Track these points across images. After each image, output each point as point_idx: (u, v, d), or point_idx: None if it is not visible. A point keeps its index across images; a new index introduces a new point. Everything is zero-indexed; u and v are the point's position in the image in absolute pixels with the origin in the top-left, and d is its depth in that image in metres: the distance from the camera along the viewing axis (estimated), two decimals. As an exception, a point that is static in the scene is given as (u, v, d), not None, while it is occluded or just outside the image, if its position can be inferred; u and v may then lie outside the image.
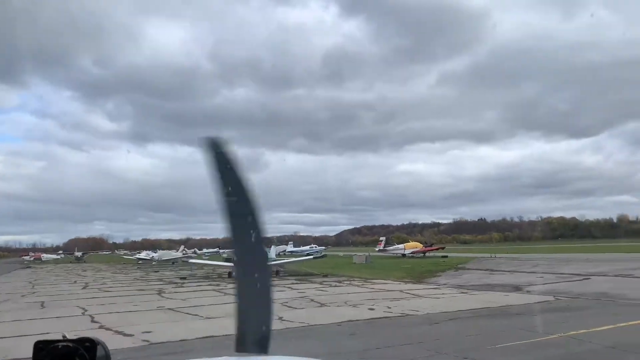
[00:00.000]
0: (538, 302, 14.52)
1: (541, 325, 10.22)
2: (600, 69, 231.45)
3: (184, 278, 30.32)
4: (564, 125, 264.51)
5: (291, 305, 15.37)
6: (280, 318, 12.68)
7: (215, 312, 13.97)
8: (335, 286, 21.74)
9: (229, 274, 29.73)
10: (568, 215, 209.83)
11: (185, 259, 51.55)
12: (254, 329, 1.67)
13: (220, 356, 1.60)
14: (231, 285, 24.68)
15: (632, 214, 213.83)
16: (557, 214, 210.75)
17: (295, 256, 46.07)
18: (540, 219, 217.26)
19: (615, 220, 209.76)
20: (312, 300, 16.75)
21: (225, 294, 20.08)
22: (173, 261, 54.17)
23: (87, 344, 1.28)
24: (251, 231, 1.62)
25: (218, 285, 24.49)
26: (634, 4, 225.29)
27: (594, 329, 9.61)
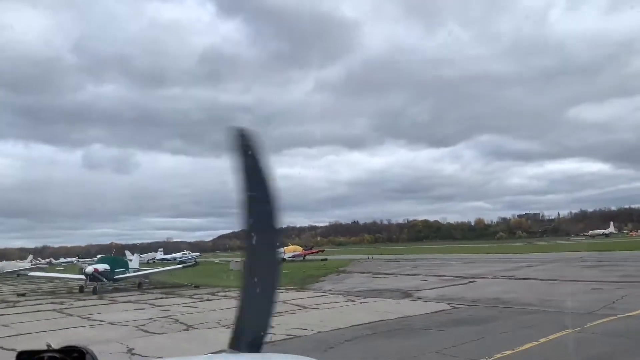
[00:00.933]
0: (436, 312, 13.01)
1: (458, 346, 8.45)
2: (456, 83, 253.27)
3: (23, 294, 24.95)
4: (425, 134, 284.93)
5: (149, 329, 12.17)
6: (129, 350, 9.54)
7: (38, 342, 10.31)
8: (208, 300, 18.68)
9: (80, 289, 25.12)
10: (431, 218, 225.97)
11: (32, 271, 44.15)
12: (251, 328, 1.63)
13: None
14: (78, 304, 20.81)
15: (487, 218, 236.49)
16: (421, 217, 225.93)
17: (166, 265, 41.64)
18: (406, 221, 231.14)
19: (472, 224, 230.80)
20: (176, 321, 13.63)
21: (68, 315, 16.06)
22: (18, 273, 46.29)
23: (75, 354, 1.22)
24: (267, 229, 1.56)
25: (63, 303, 20.00)
26: (485, 23, 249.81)
27: (519, 349, 8.00)
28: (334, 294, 19.09)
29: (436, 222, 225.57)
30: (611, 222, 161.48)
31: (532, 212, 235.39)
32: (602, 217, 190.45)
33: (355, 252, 77.47)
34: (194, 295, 20.62)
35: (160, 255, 68.97)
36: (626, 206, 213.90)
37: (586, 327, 9.61)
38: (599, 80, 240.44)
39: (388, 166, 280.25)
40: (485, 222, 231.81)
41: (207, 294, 20.88)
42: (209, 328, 12.02)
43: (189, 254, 75.52)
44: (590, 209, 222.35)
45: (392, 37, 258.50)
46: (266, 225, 1.60)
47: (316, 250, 58.64)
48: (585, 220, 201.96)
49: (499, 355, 7.60)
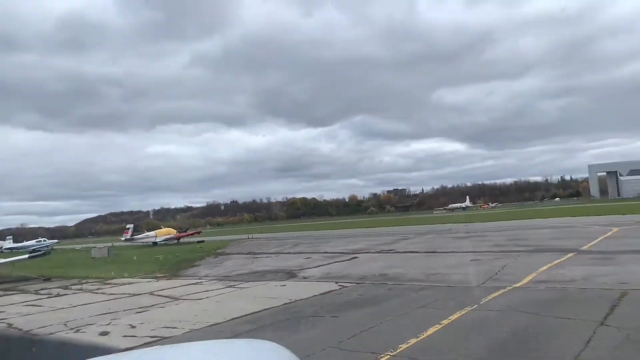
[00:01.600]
0: (325, 294, 11.94)
1: (357, 336, 7.32)
2: (333, 65, 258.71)
3: None
4: (304, 114, 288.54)
5: (-35, 341, 9.44)
6: None
7: None
8: (58, 295, 15.74)
9: None
10: (309, 196, 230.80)
11: None
12: None
13: None
14: None
15: (360, 194, 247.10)
16: (300, 195, 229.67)
17: (16, 255, 36.04)
18: (285, 199, 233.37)
19: (347, 200, 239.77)
20: (11, 325, 10.92)
21: None
22: None
23: None
24: None
25: None
26: (360, 8, 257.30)
27: (423, 335, 7.08)
28: (210, 279, 17.28)
29: (314, 199, 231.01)
30: (467, 197, 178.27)
31: (400, 188, 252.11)
32: (460, 192, 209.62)
33: (234, 232, 75.31)
34: (41, 290, 17.40)
35: (9, 244, 60.45)
36: (479, 182, 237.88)
37: (482, 304, 9.10)
38: (458, 66, 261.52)
39: (268, 145, 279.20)
40: (358, 198, 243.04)
41: (59, 287, 17.78)
42: (50, 333, 9.62)
43: (45, 241, 67.42)
44: (449, 185, 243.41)
45: (272, 15, 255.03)
46: None
47: (192, 232, 55.57)
48: (445, 195, 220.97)
49: (404, 346, 6.58)
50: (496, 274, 12.88)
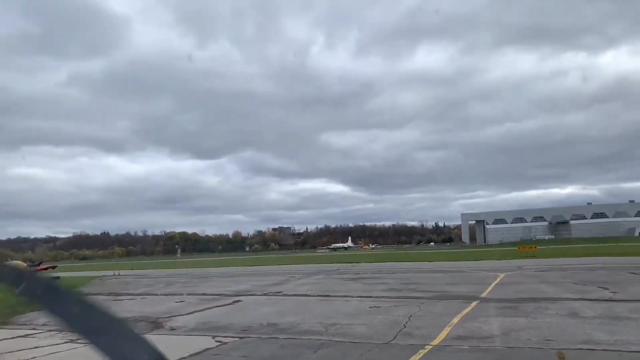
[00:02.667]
0: (196, 354, 9.10)
1: None
2: (224, 97, 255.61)
3: None
4: (190, 145, 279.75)
5: None
6: None
7: None
8: None
9: None
10: (190, 230, 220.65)
11: None
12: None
13: None
14: None
15: (244, 231, 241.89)
16: (180, 229, 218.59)
17: None
18: (163, 233, 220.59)
19: (230, 236, 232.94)
20: None
21: None
22: None
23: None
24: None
25: None
26: (255, 45, 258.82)
27: None
28: (49, 330, 13.36)
29: (195, 234, 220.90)
30: (349, 237, 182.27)
31: (285, 226, 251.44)
32: (342, 232, 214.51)
33: (101, 267, 67.74)
34: None
35: None
36: (361, 223, 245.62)
37: (406, 372, 6.99)
38: (345, 112, 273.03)
39: (148, 174, 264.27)
40: (243, 234, 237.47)
41: None
42: None
43: None
44: (333, 225, 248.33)
45: (164, 42, 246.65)
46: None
47: (45, 267, 48.03)
48: (328, 235, 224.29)
49: None
50: (405, 326, 10.99)
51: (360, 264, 43.42)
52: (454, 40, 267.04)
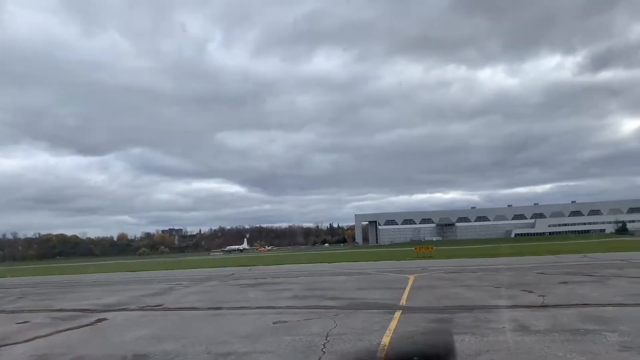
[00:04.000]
0: None
1: None
2: (112, 91, 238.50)
3: None
4: (72, 140, 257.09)
5: None
6: None
7: None
8: None
9: None
10: (69, 232, 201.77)
11: None
12: None
13: None
14: None
15: (131, 233, 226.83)
16: (57, 231, 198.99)
17: None
18: (38, 235, 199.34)
19: (115, 239, 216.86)
20: None
21: None
22: None
23: None
24: None
25: None
26: (148, 38, 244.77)
27: None
28: None
29: (74, 236, 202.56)
30: (245, 239, 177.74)
31: (176, 227, 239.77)
32: (238, 234, 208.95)
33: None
34: None
35: None
36: (257, 225, 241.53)
37: None
38: (242, 112, 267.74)
39: (23, 170, 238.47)
40: (129, 237, 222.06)
41: None
42: None
43: None
44: (228, 227, 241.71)
45: (44, 27, 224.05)
46: None
47: None
48: (223, 236, 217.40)
49: None
50: (323, 352, 8.23)
51: (257, 267, 40.28)
52: (349, 47, 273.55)
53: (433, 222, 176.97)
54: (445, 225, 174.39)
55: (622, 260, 26.48)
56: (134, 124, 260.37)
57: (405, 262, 36.66)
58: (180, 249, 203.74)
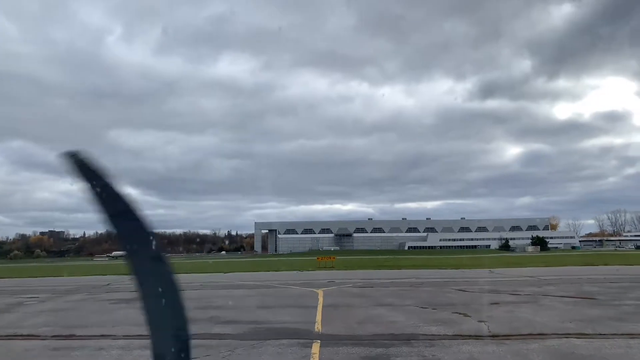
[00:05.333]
0: None
1: None
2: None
3: None
4: None
5: None
6: None
7: None
8: None
9: None
10: None
11: None
12: (171, 342, 1.38)
13: None
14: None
15: (3, 234, 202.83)
16: None
17: None
18: None
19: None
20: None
21: None
22: None
23: None
24: (144, 240, 1.38)
25: None
26: (37, 24, 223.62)
27: None
28: None
29: None
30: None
31: (57, 230, 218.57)
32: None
33: None
34: None
35: None
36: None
37: None
38: (140, 110, 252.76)
39: None
40: (0, 238, 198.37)
41: None
42: None
43: None
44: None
45: None
46: (142, 239, 1.37)
47: None
48: (110, 241, 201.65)
49: None
50: None
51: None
52: (256, 54, 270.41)
53: (332, 232, 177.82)
54: (344, 235, 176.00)
55: (531, 277, 25.82)
56: (15, 114, 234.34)
57: (308, 273, 33.95)
58: (60, 253, 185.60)
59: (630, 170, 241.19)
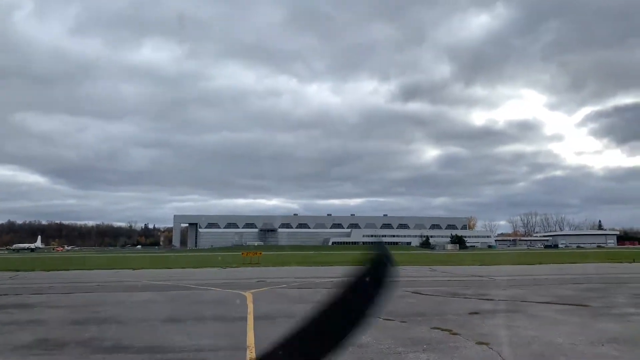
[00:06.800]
0: None
1: None
2: None
3: None
4: None
5: None
6: None
7: None
8: None
9: None
10: None
11: None
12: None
13: None
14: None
15: None
16: None
17: None
18: None
19: None
20: None
21: None
22: None
23: None
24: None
25: None
26: None
27: None
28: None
29: None
30: (39, 236, 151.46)
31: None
32: (32, 231, 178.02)
33: None
34: None
35: None
36: (57, 221, 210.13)
37: None
38: (51, 92, 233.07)
39: None
40: None
41: None
42: None
43: None
44: (20, 221, 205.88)
45: None
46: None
47: None
48: (13, 232, 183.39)
49: None
50: None
51: (30, 274, 29.47)
52: (181, 42, 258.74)
53: (256, 227, 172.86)
54: (268, 230, 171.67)
55: (481, 277, 23.45)
56: None
57: (233, 271, 29.84)
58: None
59: (539, 176, 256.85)
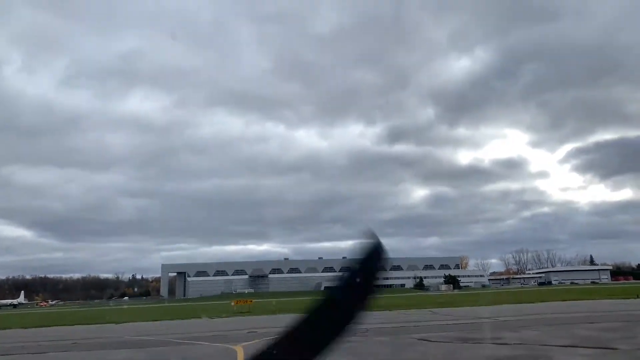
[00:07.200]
0: None
1: None
2: None
3: None
4: None
5: None
6: None
7: None
8: None
9: None
10: None
11: None
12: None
13: None
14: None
15: None
16: None
17: None
18: None
19: None
20: None
21: None
22: None
23: None
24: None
25: None
26: None
27: None
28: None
29: None
30: (22, 292, 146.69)
31: None
32: (16, 286, 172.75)
33: None
34: None
35: None
36: (42, 275, 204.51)
37: None
38: (39, 145, 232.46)
39: None
40: None
41: None
42: None
43: None
44: (3, 277, 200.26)
45: None
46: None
47: None
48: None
49: None
50: None
51: (11, 330, 27.66)
52: (169, 92, 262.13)
53: (246, 274, 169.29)
54: (259, 276, 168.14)
55: (488, 318, 22.13)
56: None
57: (222, 322, 28.15)
58: None
59: (526, 213, 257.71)
